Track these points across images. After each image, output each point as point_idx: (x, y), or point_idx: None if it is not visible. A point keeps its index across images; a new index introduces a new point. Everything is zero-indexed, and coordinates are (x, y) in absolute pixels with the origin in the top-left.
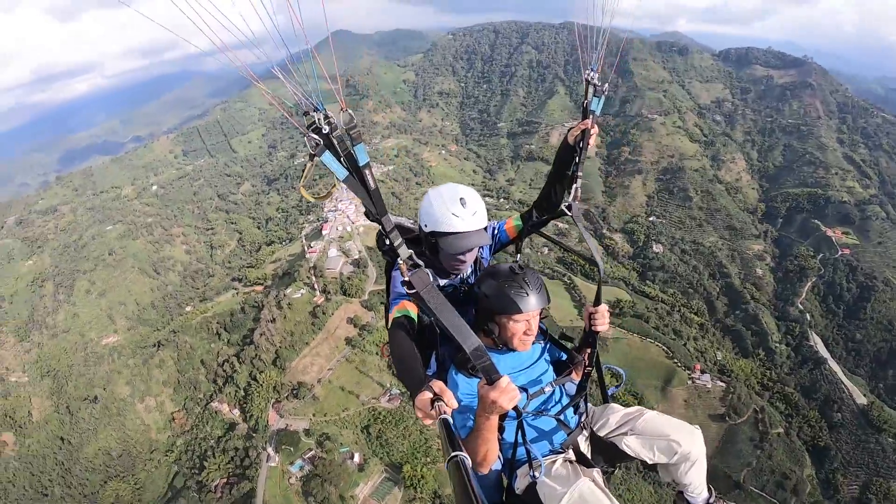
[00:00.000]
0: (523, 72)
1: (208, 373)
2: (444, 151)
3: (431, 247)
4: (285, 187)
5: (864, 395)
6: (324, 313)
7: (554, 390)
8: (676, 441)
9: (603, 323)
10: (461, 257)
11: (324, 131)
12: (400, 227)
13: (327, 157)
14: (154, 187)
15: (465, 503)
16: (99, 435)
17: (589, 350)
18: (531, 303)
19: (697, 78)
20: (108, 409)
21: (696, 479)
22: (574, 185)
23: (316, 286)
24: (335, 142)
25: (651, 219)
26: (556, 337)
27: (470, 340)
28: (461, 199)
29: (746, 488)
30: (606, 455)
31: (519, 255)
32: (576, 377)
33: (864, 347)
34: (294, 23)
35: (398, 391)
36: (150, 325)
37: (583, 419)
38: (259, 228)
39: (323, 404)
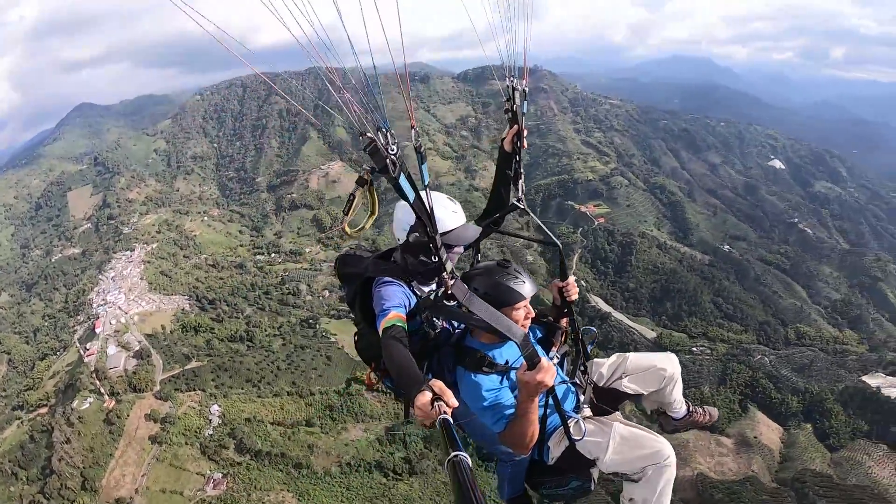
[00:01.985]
0: (275, 123)
1: None
2: (206, 218)
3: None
4: (48, 290)
5: (652, 330)
6: (119, 417)
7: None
8: (662, 368)
9: (575, 293)
10: (460, 249)
11: (390, 151)
12: (382, 257)
13: (403, 179)
14: None
15: (466, 503)
16: None
17: (567, 319)
18: (529, 289)
19: (441, 101)
20: None
21: (678, 396)
22: (520, 182)
23: (103, 390)
24: (399, 163)
25: None
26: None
27: (518, 333)
28: (447, 197)
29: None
30: (606, 401)
31: (479, 256)
32: (556, 347)
33: (640, 292)
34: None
35: (220, 475)
36: None
37: (587, 377)
38: (28, 343)
39: None
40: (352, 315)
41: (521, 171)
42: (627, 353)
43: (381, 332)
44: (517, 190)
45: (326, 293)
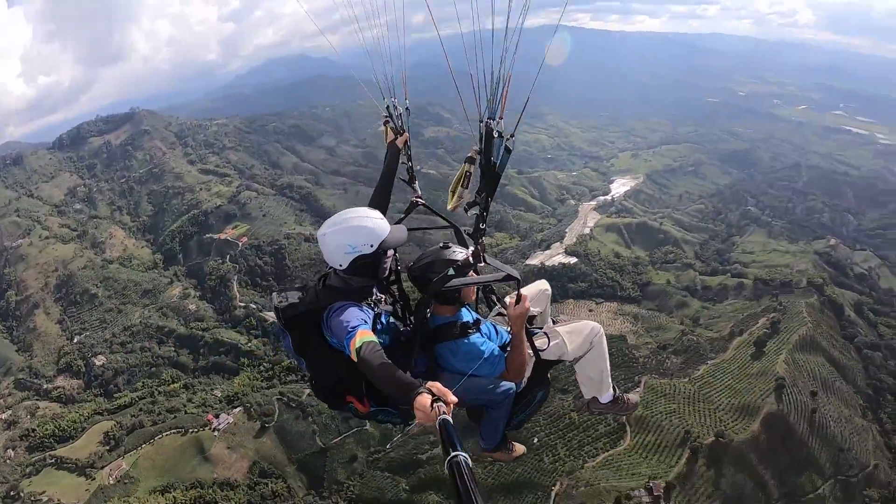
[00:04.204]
0: None
1: None
2: None
3: (377, 263)
4: None
5: None
6: None
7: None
8: (546, 290)
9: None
10: (392, 252)
11: (495, 135)
12: (319, 287)
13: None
14: None
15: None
16: None
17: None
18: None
19: (43, 179)
20: None
21: (549, 311)
22: (415, 183)
23: None
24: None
25: (76, 340)
26: None
27: (517, 273)
28: (367, 207)
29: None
30: None
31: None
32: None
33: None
34: None
35: None
36: None
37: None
38: None
39: None
40: (301, 361)
41: (414, 173)
42: (522, 289)
43: (353, 353)
44: (415, 190)
45: (11, 453)
